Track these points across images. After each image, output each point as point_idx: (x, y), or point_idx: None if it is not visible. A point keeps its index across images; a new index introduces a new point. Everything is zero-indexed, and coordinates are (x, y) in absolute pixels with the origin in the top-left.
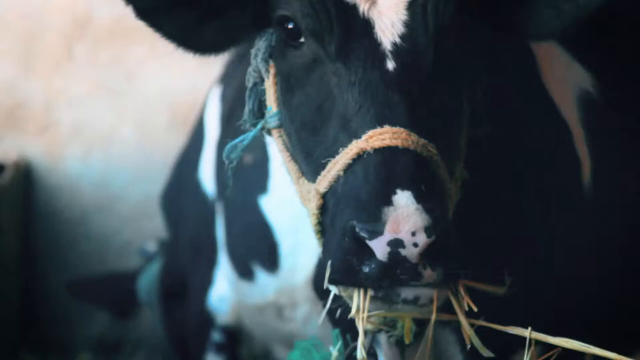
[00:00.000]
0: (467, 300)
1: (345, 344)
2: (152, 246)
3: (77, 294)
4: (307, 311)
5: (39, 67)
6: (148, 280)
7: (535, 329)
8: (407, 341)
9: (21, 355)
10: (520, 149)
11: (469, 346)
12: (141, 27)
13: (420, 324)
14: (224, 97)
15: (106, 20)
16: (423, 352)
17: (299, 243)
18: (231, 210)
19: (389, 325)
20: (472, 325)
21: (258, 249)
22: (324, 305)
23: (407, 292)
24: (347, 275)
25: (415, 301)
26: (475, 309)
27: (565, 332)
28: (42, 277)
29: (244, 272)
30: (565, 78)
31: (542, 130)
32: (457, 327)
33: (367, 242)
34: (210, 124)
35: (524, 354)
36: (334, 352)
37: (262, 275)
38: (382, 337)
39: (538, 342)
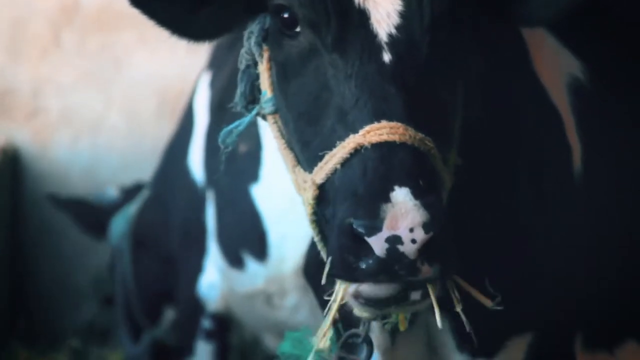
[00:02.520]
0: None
1: (338, 333)
2: (113, 193)
3: (58, 206)
4: (296, 300)
5: (26, 54)
6: (119, 227)
7: (527, 316)
8: (402, 328)
9: (10, 343)
10: (511, 135)
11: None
12: (129, 13)
13: (414, 312)
14: (214, 84)
15: (94, 7)
16: (416, 339)
17: (287, 232)
18: (222, 199)
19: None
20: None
21: (248, 238)
22: (314, 293)
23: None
24: (345, 272)
25: (406, 298)
26: (459, 307)
27: (556, 319)
28: (31, 264)
29: (234, 260)
30: (555, 64)
31: (533, 116)
32: (449, 315)
33: (365, 238)
34: (200, 111)
35: (518, 341)
36: (327, 341)
37: (251, 264)
38: (375, 323)
39: None
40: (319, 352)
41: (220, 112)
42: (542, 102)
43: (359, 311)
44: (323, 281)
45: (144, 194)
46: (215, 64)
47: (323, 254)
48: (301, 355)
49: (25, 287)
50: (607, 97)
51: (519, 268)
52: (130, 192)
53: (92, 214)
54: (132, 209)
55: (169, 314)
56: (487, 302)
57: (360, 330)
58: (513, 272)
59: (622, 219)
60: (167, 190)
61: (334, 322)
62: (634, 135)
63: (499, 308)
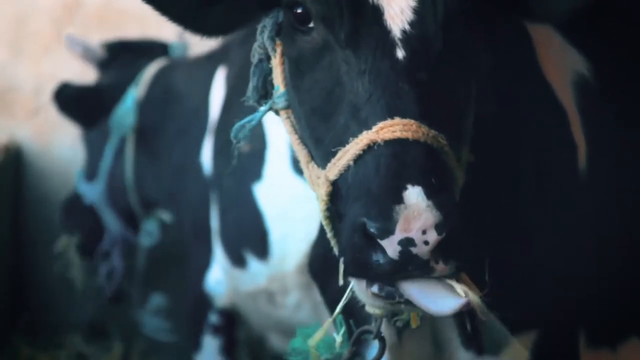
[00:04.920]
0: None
1: (349, 330)
2: (97, 50)
3: (60, 104)
4: (298, 298)
5: (29, 51)
6: (122, 116)
7: (531, 313)
8: (414, 325)
9: (12, 340)
10: (517, 132)
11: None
12: (131, 10)
13: None
14: (228, 79)
15: (95, 4)
16: (421, 336)
17: (289, 231)
18: (225, 198)
19: (396, 310)
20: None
21: (250, 237)
22: (319, 290)
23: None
24: (359, 270)
25: None
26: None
27: (560, 316)
28: (32, 261)
29: (237, 259)
30: (561, 61)
31: (538, 113)
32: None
33: (378, 240)
34: (214, 107)
35: (522, 339)
36: (338, 338)
37: (254, 263)
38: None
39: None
40: (331, 349)
41: (228, 108)
42: (548, 99)
43: (371, 308)
44: (340, 281)
45: (148, 74)
46: (230, 59)
47: (336, 250)
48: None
49: (26, 284)
50: (613, 96)
51: (523, 266)
52: (114, 49)
53: (94, 104)
54: (135, 93)
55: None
56: (477, 292)
57: (372, 327)
58: (516, 270)
59: (624, 217)
60: (179, 185)
61: (347, 319)
62: (637, 134)
63: (485, 299)
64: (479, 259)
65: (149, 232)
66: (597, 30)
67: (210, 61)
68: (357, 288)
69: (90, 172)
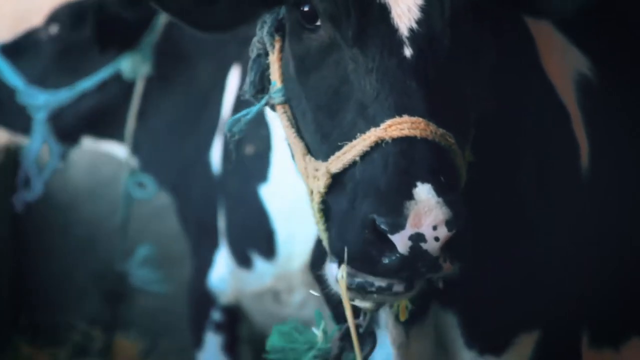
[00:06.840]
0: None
1: (339, 325)
2: None
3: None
4: (303, 296)
5: None
6: (139, 59)
7: (534, 313)
8: (402, 319)
9: (13, 339)
10: (519, 131)
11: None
12: None
13: (416, 302)
14: (242, 79)
15: None
16: (425, 335)
17: (295, 230)
18: (231, 199)
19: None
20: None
21: (256, 237)
22: (321, 289)
23: (381, 281)
24: (366, 265)
25: (389, 289)
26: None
27: (563, 316)
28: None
29: (243, 260)
30: (563, 61)
31: (541, 113)
32: (459, 311)
33: (389, 235)
34: (226, 106)
35: (525, 339)
36: (319, 333)
37: (260, 263)
38: (388, 317)
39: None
40: (313, 344)
41: (239, 109)
42: (550, 98)
43: (360, 303)
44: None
45: (162, 23)
46: (244, 57)
47: (325, 244)
48: (293, 349)
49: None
50: (615, 95)
51: (525, 266)
52: None
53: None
54: (151, 41)
55: None
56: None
57: (361, 320)
58: (519, 270)
59: (626, 217)
60: (184, 180)
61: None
62: (639, 134)
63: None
64: (485, 264)
65: (142, 185)
66: (598, 30)
67: (223, 47)
68: (330, 280)
69: (44, 79)
